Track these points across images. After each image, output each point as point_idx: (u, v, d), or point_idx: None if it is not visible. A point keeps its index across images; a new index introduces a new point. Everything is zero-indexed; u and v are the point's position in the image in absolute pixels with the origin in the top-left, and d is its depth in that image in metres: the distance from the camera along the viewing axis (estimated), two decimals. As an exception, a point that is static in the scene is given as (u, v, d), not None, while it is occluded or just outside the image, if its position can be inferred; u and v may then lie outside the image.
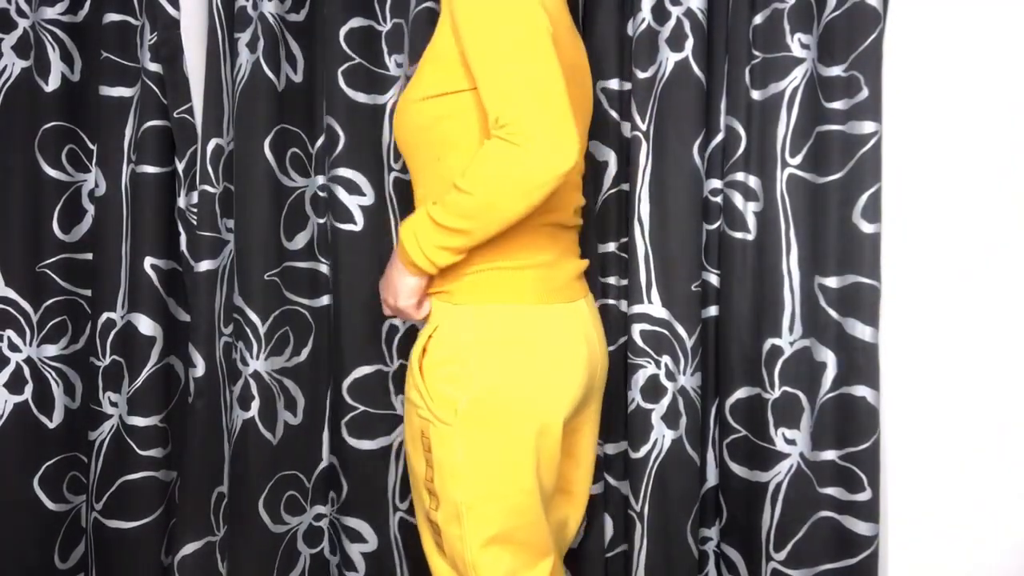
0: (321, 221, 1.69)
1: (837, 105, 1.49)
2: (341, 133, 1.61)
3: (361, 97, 1.63)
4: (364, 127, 1.64)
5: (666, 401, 1.55)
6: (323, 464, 1.72)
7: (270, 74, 1.60)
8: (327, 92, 1.62)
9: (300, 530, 1.71)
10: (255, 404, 1.62)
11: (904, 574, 1.57)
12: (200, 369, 1.59)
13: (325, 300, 1.71)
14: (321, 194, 1.69)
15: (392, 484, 1.68)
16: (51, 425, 1.69)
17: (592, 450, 1.40)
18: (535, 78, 1.05)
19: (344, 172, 1.62)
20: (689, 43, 1.51)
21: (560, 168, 1.04)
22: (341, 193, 1.62)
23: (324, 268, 1.71)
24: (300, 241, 1.68)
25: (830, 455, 1.50)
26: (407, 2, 1.61)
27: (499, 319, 1.17)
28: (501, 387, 1.15)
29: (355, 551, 1.66)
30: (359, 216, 1.63)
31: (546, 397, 1.17)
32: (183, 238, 1.62)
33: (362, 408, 1.65)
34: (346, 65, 1.61)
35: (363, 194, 1.64)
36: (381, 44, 1.65)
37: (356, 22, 1.62)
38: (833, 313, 1.49)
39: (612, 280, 1.60)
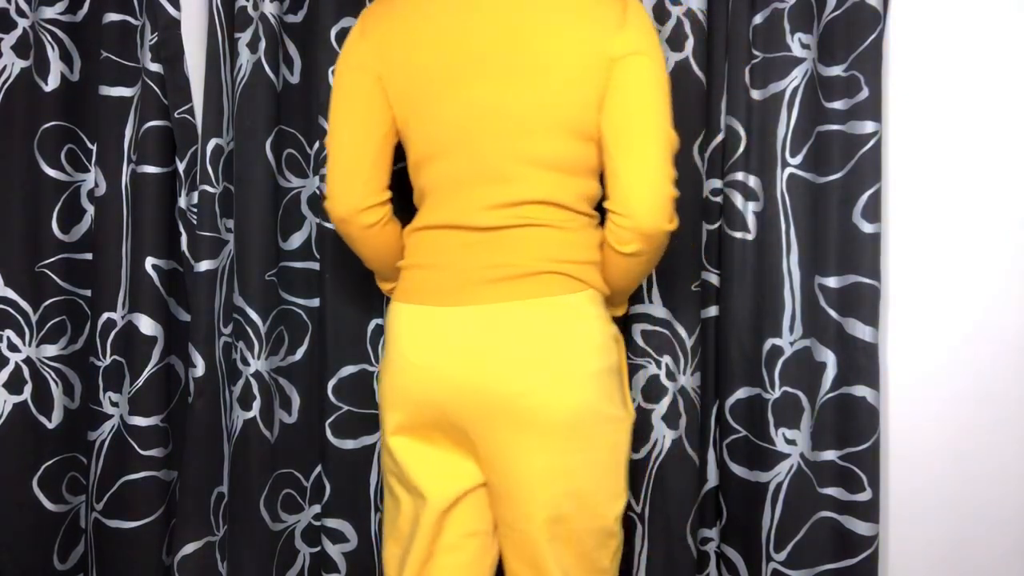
0: (318, 221, 1.69)
1: (837, 105, 1.49)
2: None
3: None
4: None
5: (666, 401, 1.55)
6: (320, 464, 1.72)
7: (271, 74, 1.60)
8: (318, 92, 1.62)
9: (298, 529, 1.70)
10: (256, 404, 1.62)
11: (904, 574, 1.57)
12: (200, 369, 1.59)
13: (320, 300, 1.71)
14: (318, 194, 1.69)
15: (374, 484, 1.68)
16: (50, 425, 1.69)
17: (527, 495, 1.19)
18: (327, 145, 1.31)
19: None
20: (689, 43, 1.51)
21: (332, 217, 1.32)
22: None
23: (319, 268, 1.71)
24: (296, 241, 1.68)
25: (830, 455, 1.50)
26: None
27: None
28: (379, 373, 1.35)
29: (336, 551, 1.66)
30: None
31: (381, 391, 1.29)
32: (184, 238, 1.62)
33: (346, 408, 1.64)
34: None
35: None
36: None
37: (348, 22, 1.61)
38: (833, 313, 1.49)
39: (613, 280, 1.60)
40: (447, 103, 1.22)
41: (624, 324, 1.59)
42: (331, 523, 1.65)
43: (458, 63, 1.22)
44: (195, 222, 1.61)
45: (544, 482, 1.19)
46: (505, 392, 1.17)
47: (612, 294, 1.30)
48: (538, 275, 1.19)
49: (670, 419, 1.55)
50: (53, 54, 1.66)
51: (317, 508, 1.70)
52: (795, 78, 1.52)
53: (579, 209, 1.24)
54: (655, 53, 1.20)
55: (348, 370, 1.64)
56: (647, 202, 1.17)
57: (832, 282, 1.50)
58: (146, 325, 1.62)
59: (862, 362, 1.48)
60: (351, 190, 1.29)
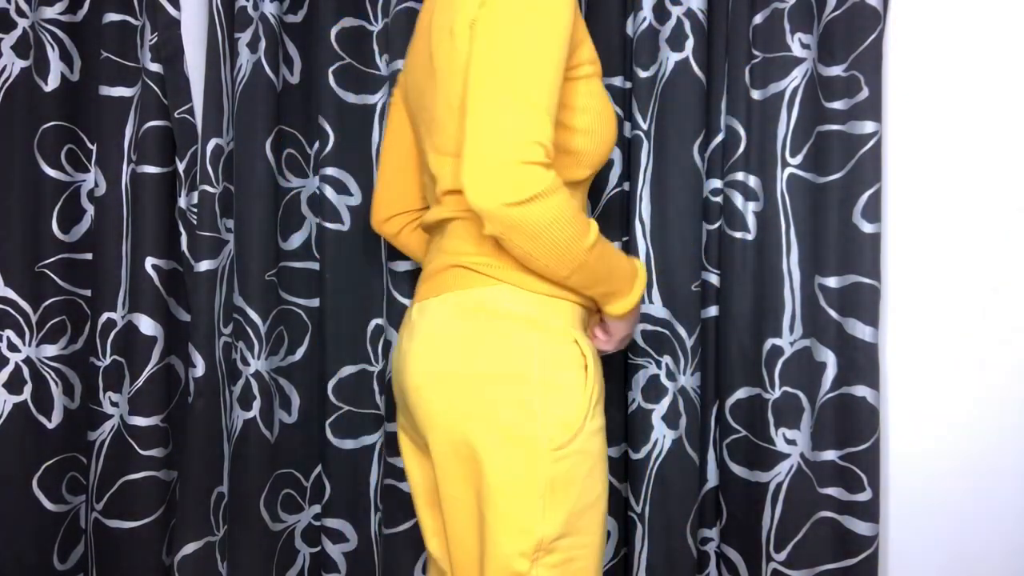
0: (318, 221, 1.70)
1: (837, 105, 1.49)
2: (331, 133, 1.61)
3: (351, 97, 1.63)
4: (353, 127, 1.64)
5: (666, 401, 1.55)
6: (320, 464, 1.72)
7: (270, 74, 1.60)
8: (318, 92, 1.62)
9: (298, 529, 1.70)
10: (256, 404, 1.62)
11: (904, 574, 1.57)
12: (200, 369, 1.59)
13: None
14: (317, 194, 1.69)
15: (374, 484, 1.68)
16: (50, 425, 1.69)
17: (450, 513, 1.12)
18: None
19: (332, 172, 1.62)
20: (689, 43, 1.51)
21: None
22: (329, 193, 1.62)
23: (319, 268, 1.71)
24: (296, 241, 1.68)
25: (830, 455, 1.50)
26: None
27: None
28: None
29: (336, 551, 1.66)
30: (346, 216, 1.63)
31: None
32: (184, 238, 1.62)
33: (346, 408, 1.64)
34: (336, 65, 1.61)
35: (351, 194, 1.64)
36: (372, 44, 1.65)
37: (348, 22, 1.62)
38: (833, 313, 1.49)
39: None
40: (413, 118, 1.29)
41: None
42: (331, 523, 1.65)
43: (412, 79, 1.26)
44: (195, 222, 1.61)
45: (441, 490, 1.13)
46: (405, 386, 1.14)
47: (574, 288, 1.13)
48: (446, 270, 1.15)
49: (670, 419, 1.55)
50: (53, 54, 1.66)
51: (317, 508, 1.70)
52: (795, 78, 1.52)
53: None
54: (514, 5, 1.04)
55: (348, 370, 1.64)
56: (470, 175, 1.00)
57: (832, 282, 1.50)
58: (146, 325, 1.62)
59: (862, 362, 1.48)
60: (374, 204, 1.45)
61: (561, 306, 1.12)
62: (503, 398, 1.06)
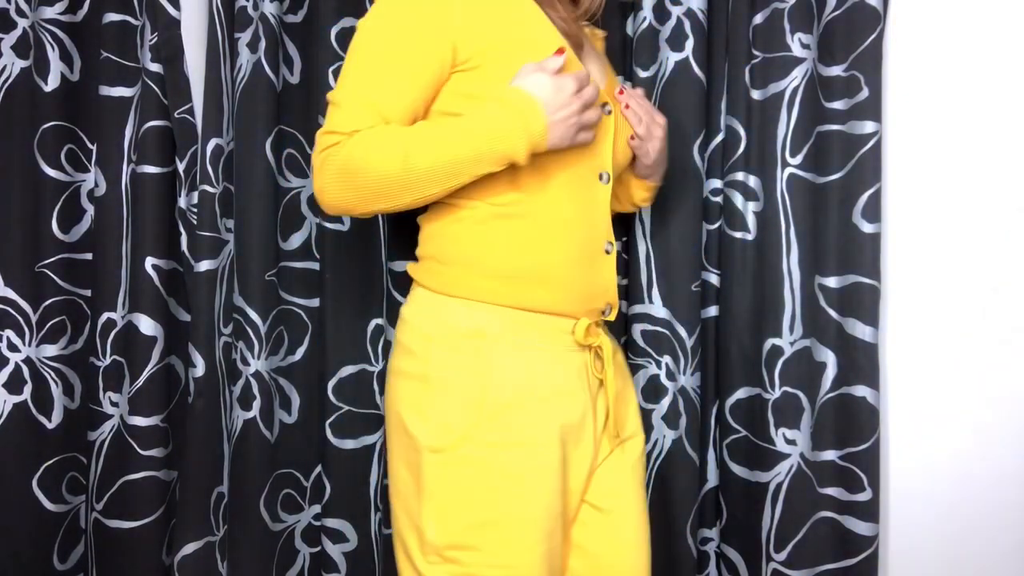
0: (318, 221, 1.69)
1: (837, 105, 1.49)
2: None
3: None
4: None
5: (666, 401, 1.55)
6: (320, 464, 1.72)
7: (271, 74, 1.60)
8: (318, 92, 1.62)
9: (298, 529, 1.70)
10: (256, 404, 1.62)
11: (904, 574, 1.57)
12: (200, 369, 1.59)
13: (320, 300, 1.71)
14: (319, 194, 1.69)
15: (374, 484, 1.68)
16: (50, 426, 1.69)
17: None
18: None
19: None
20: (689, 43, 1.51)
21: None
22: None
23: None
24: (296, 241, 1.68)
25: (830, 455, 1.50)
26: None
27: None
28: None
29: (336, 551, 1.66)
30: (346, 216, 1.63)
31: None
32: (184, 238, 1.62)
33: (346, 408, 1.64)
34: (336, 65, 1.61)
35: None
36: None
37: (348, 22, 1.61)
38: (833, 313, 1.49)
39: (613, 280, 1.60)
40: None
41: (624, 324, 1.59)
42: (331, 523, 1.65)
43: None
44: (195, 222, 1.61)
45: None
46: None
47: (459, 182, 1.11)
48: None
49: (670, 419, 1.55)
50: (53, 54, 1.66)
51: (317, 508, 1.70)
52: (795, 78, 1.52)
53: (446, 199, 1.17)
54: (372, 10, 1.16)
55: (348, 370, 1.64)
56: None
57: (832, 282, 1.50)
58: (146, 325, 1.62)
59: (862, 362, 1.48)
60: None
61: (483, 310, 1.14)
62: (403, 394, 1.16)
